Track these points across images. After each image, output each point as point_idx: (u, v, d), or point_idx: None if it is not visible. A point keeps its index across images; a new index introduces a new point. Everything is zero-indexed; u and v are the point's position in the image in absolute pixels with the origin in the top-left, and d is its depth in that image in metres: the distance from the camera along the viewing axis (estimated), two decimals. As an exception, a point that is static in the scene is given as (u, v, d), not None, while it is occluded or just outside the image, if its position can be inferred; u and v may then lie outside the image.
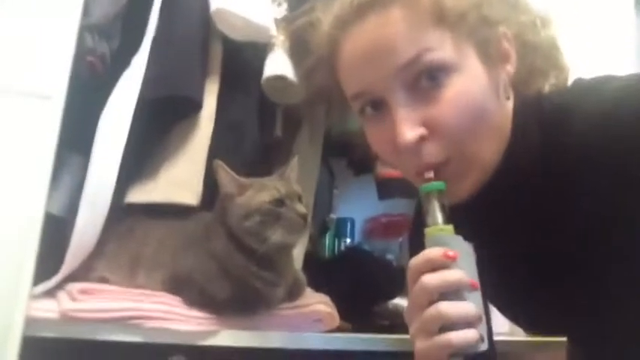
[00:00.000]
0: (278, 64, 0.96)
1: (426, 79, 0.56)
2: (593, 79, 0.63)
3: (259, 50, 0.98)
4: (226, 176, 0.84)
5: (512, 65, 0.62)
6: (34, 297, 0.75)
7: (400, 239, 1.48)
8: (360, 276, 1.13)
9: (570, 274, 0.63)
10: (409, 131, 0.56)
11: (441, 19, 0.56)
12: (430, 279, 0.54)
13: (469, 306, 0.54)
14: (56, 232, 0.81)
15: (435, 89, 0.56)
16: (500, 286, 0.70)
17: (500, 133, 0.62)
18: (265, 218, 0.82)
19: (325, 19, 0.64)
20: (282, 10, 1.00)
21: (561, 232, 0.62)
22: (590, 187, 0.57)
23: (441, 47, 0.56)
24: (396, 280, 1.13)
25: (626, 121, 0.54)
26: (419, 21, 0.56)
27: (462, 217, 0.59)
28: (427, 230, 0.58)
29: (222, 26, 0.93)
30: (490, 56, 0.59)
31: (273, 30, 0.96)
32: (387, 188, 1.21)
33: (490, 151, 0.61)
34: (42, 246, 0.72)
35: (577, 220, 0.59)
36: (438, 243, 0.56)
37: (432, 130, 0.57)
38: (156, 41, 0.90)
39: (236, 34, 0.95)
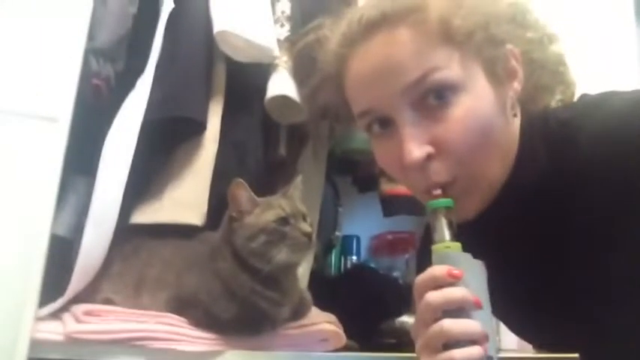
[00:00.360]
0: (281, 84, 0.96)
1: (433, 97, 0.57)
2: (598, 95, 0.63)
3: (262, 70, 0.99)
4: (245, 195, 0.84)
5: (520, 82, 0.62)
6: (39, 319, 0.75)
7: (406, 256, 1.48)
8: (366, 294, 1.13)
9: (578, 290, 0.63)
10: (416, 150, 0.56)
11: (449, 38, 0.57)
12: (434, 296, 0.54)
13: (473, 324, 0.53)
14: (61, 253, 0.81)
15: (442, 108, 0.57)
16: (508, 301, 0.69)
17: (507, 151, 0.62)
18: (270, 238, 0.82)
19: (333, 36, 0.64)
20: (284, 31, 1.02)
21: (568, 248, 0.61)
22: (595, 203, 0.56)
23: (448, 66, 0.56)
24: (403, 298, 1.12)
25: (631, 138, 0.54)
26: (426, 40, 0.57)
27: (470, 234, 0.59)
28: (434, 247, 0.58)
29: (225, 48, 0.94)
30: (497, 74, 0.60)
31: (276, 51, 0.97)
32: (391, 205, 1.20)
33: (496, 169, 0.61)
34: (47, 267, 0.72)
35: (584, 237, 0.59)
36: (444, 260, 0.56)
37: (439, 148, 0.57)
38: (160, 63, 0.91)
39: (239, 56, 0.96)
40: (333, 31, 0.65)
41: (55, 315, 0.80)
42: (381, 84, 0.58)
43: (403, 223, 1.43)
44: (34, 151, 0.75)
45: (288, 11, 1.02)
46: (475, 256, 0.57)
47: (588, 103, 0.63)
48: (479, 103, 0.57)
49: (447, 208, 0.58)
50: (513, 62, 0.61)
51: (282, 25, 1.01)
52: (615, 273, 0.57)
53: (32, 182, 0.74)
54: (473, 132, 0.57)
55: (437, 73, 0.56)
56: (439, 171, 0.58)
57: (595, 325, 0.63)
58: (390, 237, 1.54)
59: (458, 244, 0.57)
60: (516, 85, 0.62)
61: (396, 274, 1.44)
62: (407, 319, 1.11)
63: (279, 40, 1.00)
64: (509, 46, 0.61)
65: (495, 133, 0.59)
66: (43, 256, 0.72)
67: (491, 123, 0.58)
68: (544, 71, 0.65)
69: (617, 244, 0.56)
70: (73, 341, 0.74)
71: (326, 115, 0.74)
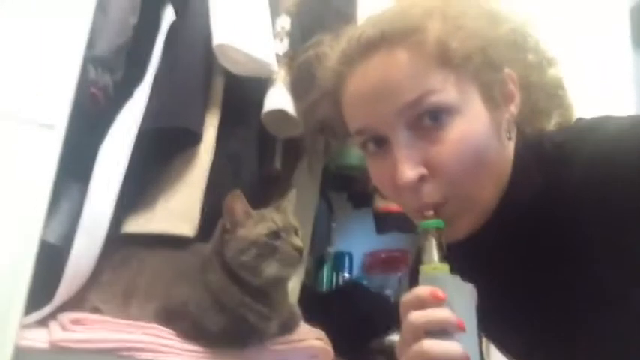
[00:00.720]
0: (278, 98, 0.97)
1: (428, 119, 0.57)
2: (593, 119, 0.63)
3: (260, 84, 1.00)
4: (241, 207, 0.85)
5: (516, 106, 0.62)
6: (25, 326, 0.74)
7: (399, 274, 1.47)
8: (357, 311, 1.12)
9: (572, 313, 0.63)
10: (409, 171, 0.56)
11: (446, 61, 0.57)
12: (416, 316, 0.53)
13: (454, 345, 0.53)
14: (51, 260, 0.81)
15: (437, 130, 0.56)
16: (501, 324, 0.69)
17: (501, 174, 0.62)
18: (261, 251, 0.82)
19: (332, 53, 0.65)
20: (283, 46, 1.03)
21: (562, 270, 0.61)
22: (588, 226, 0.56)
23: (445, 89, 0.56)
24: (393, 316, 1.10)
25: (625, 161, 0.54)
26: (424, 62, 0.57)
27: (463, 255, 0.59)
28: (421, 267, 0.57)
29: (224, 61, 0.95)
30: (494, 98, 0.59)
31: (275, 65, 0.98)
32: (385, 222, 1.21)
33: (489, 191, 0.61)
34: (36, 274, 0.72)
35: (577, 259, 0.59)
36: (430, 281, 0.55)
37: (432, 170, 0.57)
38: (158, 74, 0.91)
39: (238, 69, 0.96)
40: (332, 48, 0.66)
41: (42, 322, 0.79)
42: (377, 104, 0.58)
43: (396, 241, 1.43)
44: (28, 156, 0.75)
45: (287, 27, 1.04)
46: (467, 278, 0.57)
47: (583, 126, 0.63)
48: (473, 127, 0.57)
49: (438, 229, 0.58)
50: (511, 86, 0.61)
51: (281, 40, 1.02)
52: (610, 295, 0.57)
53: (25, 188, 0.74)
54: (466, 155, 0.56)
55: (433, 96, 0.56)
56: (431, 192, 0.57)
57: (588, 348, 0.63)
58: (383, 255, 1.53)
59: (446, 266, 0.57)
60: (513, 109, 0.62)
61: (388, 291, 1.44)
62: (397, 338, 1.11)
63: (277, 55, 1.00)
64: (507, 70, 0.61)
65: (489, 156, 0.59)
66: (32, 262, 0.72)
67: (485, 146, 0.58)
68: (542, 94, 0.65)
69: (612, 265, 0.56)
70: (58, 349, 0.74)
71: (322, 130, 0.74)
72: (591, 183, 0.55)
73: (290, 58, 1.00)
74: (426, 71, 0.56)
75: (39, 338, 0.75)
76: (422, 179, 0.57)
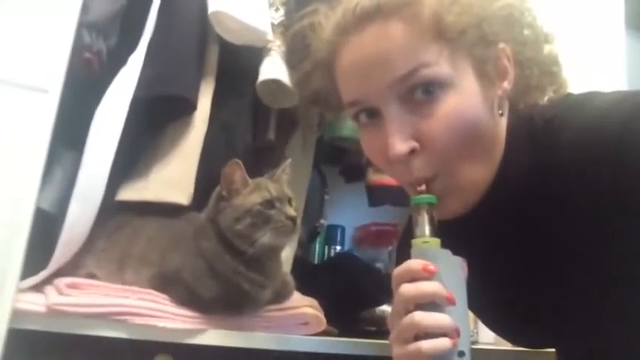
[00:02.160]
0: (273, 68, 0.97)
1: (421, 92, 0.57)
2: (581, 95, 0.64)
3: (255, 54, 0.99)
4: (240, 175, 0.85)
5: (510, 82, 0.62)
6: (22, 290, 0.75)
7: (390, 248, 1.49)
8: (348, 282, 1.14)
9: (559, 289, 0.64)
10: (400, 144, 0.57)
11: (441, 34, 0.57)
12: (407, 289, 0.55)
13: (444, 317, 0.54)
14: (46, 227, 0.81)
15: (429, 103, 0.57)
16: (488, 299, 0.70)
17: (493, 150, 0.62)
18: (255, 220, 0.83)
19: (327, 24, 0.64)
20: (279, 16, 1.02)
21: (552, 249, 0.62)
22: (577, 201, 0.57)
23: (438, 63, 0.56)
24: (384, 287, 1.11)
25: (610, 138, 0.54)
26: (418, 35, 0.57)
27: (456, 231, 0.59)
28: (413, 241, 0.58)
29: (219, 29, 0.94)
30: (487, 73, 0.60)
31: (270, 34, 0.98)
32: (377, 195, 1.21)
33: (481, 169, 0.61)
34: (31, 240, 0.72)
35: (565, 235, 0.60)
36: (421, 255, 0.56)
37: (423, 144, 0.58)
38: (153, 41, 0.91)
39: (233, 37, 0.96)
40: (327, 18, 0.65)
41: (38, 287, 0.80)
42: (370, 76, 0.58)
43: (388, 215, 1.44)
44: (23, 121, 0.74)
45: (283, -4, 1.03)
46: (457, 254, 0.58)
47: (572, 101, 0.64)
48: (466, 101, 0.58)
49: (430, 204, 0.58)
50: (505, 62, 0.61)
51: (276, 10, 1.01)
52: (600, 271, 0.58)
53: (19, 153, 0.74)
54: (457, 129, 0.57)
55: (426, 69, 0.56)
56: (421, 166, 0.58)
57: (579, 325, 0.64)
58: (373, 228, 1.54)
59: (437, 240, 0.57)
60: (506, 85, 0.62)
61: (379, 265, 1.45)
62: (388, 309, 1.13)
63: (273, 25, 1.00)
64: (501, 45, 0.61)
65: (481, 132, 0.59)
66: (27, 229, 0.72)
67: (477, 121, 0.58)
68: (537, 70, 0.65)
69: (601, 243, 0.57)
70: (54, 312, 0.74)
71: (316, 101, 0.74)
72: (578, 156, 0.56)
73: (285, 28, 1.00)
74: (420, 44, 0.56)
75: (36, 302, 0.75)
76: (413, 153, 0.58)
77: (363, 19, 0.59)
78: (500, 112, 0.62)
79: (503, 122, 0.64)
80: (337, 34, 0.62)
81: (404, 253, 0.61)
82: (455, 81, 0.57)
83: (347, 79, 0.62)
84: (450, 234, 0.58)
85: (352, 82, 0.62)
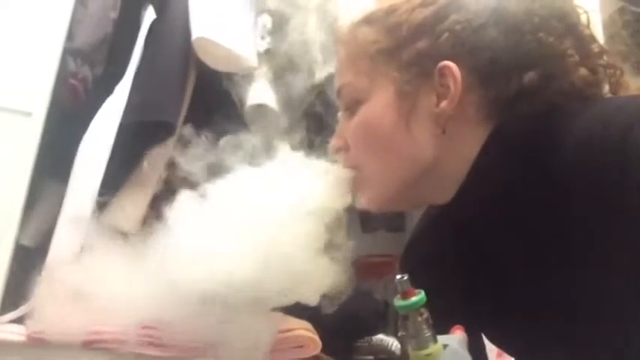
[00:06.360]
0: (261, 93, 0.97)
1: (346, 104, 0.67)
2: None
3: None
4: None
5: (452, 100, 0.60)
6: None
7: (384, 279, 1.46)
8: (343, 310, 1.11)
9: (569, 304, 0.62)
10: (334, 141, 0.69)
11: (367, 56, 0.63)
12: None
13: None
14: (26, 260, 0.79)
15: (351, 114, 0.66)
16: (497, 320, 0.68)
17: (416, 161, 0.62)
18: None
19: None
20: (264, 44, 1.03)
21: (552, 252, 0.61)
22: (580, 204, 0.56)
23: (357, 82, 0.64)
24: (380, 315, 1.10)
25: (614, 137, 0.54)
26: (347, 57, 0.67)
27: (456, 250, 0.61)
28: (414, 354, 0.52)
29: (203, 55, 0.95)
30: (411, 93, 0.61)
31: (255, 61, 0.99)
32: (369, 221, 1.20)
33: (389, 172, 0.64)
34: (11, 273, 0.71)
35: (568, 239, 0.59)
36: None
37: (347, 145, 0.67)
38: (140, 69, 0.91)
39: (218, 65, 0.97)
40: None
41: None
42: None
43: (382, 245, 1.42)
44: (6, 145, 0.74)
45: (269, 25, 1.04)
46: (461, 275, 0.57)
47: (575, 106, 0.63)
48: (373, 114, 0.63)
49: (418, 309, 0.52)
50: (445, 80, 0.60)
51: (262, 38, 1.02)
52: (609, 280, 0.57)
53: (2, 177, 0.73)
54: (363, 139, 0.65)
55: (346, 88, 0.66)
56: (345, 161, 0.68)
57: (588, 334, 0.62)
58: (368, 260, 1.52)
59: (439, 346, 0.52)
60: (444, 105, 0.60)
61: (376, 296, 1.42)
62: (383, 337, 1.10)
63: (259, 53, 1.01)
64: (444, 64, 0.60)
65: (394, 145, 0.62)
66: (5, 264, 0.70)
67: (387, 135, 0.62)
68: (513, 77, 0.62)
69: (604, 247, 0.56)
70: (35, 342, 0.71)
71: None
72: (581, 161, 0.55)
73: (272, 56, 1.01)
74: (348, 65, 0.66)
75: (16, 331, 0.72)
76: (339, 150, 0.68)
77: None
78: (440, 129, 0.60)
79: (452, 140, 0.61)
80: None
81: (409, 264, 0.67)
82: (370, 98, 0.63)
83: None
84: (452, 258, 0.60)
85: None
